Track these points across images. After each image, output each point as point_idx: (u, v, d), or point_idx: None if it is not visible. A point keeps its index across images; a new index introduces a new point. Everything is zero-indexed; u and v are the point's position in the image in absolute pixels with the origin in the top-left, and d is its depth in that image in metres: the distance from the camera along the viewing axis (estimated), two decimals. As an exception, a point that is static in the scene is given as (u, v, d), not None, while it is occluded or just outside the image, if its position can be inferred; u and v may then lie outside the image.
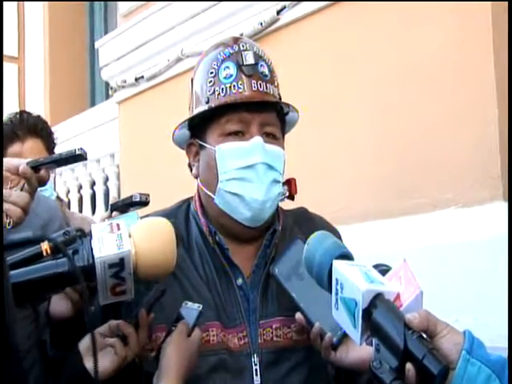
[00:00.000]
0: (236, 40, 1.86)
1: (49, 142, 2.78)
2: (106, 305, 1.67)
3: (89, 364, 1.55)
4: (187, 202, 1.88)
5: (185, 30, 4.64)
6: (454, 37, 3.12)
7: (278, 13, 3.93)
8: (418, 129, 3.23)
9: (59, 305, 1.64)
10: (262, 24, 4.00)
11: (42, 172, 1.67)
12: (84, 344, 1.58)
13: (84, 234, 1.47)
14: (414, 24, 3.29)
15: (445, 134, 3.12)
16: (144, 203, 2.58)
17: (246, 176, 1.72)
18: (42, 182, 1.68)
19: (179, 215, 1.81)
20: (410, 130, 3.26)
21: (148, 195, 2.56)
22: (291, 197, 1.84)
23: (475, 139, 3.00)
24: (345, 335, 1.58)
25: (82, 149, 1.69)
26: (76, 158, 1.70)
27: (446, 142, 3.12)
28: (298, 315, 1.67)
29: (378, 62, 3.44)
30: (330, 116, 3.65)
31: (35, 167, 1.65)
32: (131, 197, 2.55)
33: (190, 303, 1.65)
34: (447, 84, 3.14)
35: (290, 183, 1.83)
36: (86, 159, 1.72)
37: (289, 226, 1.85)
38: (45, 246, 1.46)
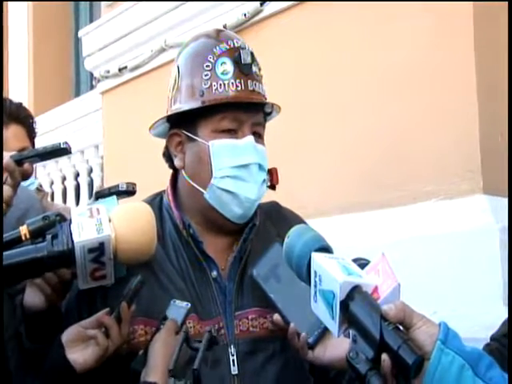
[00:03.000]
0: (219, 32, 1.86)
1: (30, 131, 2.77)
2: (81, 296, 1.69)
3: (71, 356, 1.56)
4: (159, 195, 1.89)
5: (168, 21, 4.64)
6: (437, 34, 3.15)
7: (262, 4, 3.94)
8: (399, 122, 3.26)
9: (33, 298, 1.64)
10: (245, 15, 4.02)
11: (26, 166, 1.67)
12: (66, 336, 1.59)
13: (63, 219, 1.48)
14: (395, 22, 3.31)
15: (426, 128, 3.15)
16: (130, 192, 2.56)
17: (240, 175, 1.73)
18: (26, 176, 1.69)
19: (152, 208, 1.79)
20: (391, 123, 3.28)
21: (135, 184, 2.54)
22: (272, 186, 1.85)
23: (456, 133, 3.03)
24: (321, 335, 1.62)
25: (66, 143, 1.69)
26: (60, 151, 1.70)
27: (426, 135, 3.15)
28: (276, 316, 1.69)
29: (361, 56, 3.46)
30: (312, 108, 3.67)
31: (19, 161, 1.66)
32: (117, 185, 2.52)
33: (178, 301, 1.65)
34: (429, 79, 3.16)
35: (271, 173, 1.84)
36: (70, 153, 1.72)
37: (261, 220, 1.87)
38: (24, 231, 1.46)
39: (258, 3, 3.95)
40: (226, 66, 1.76)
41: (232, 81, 1.75)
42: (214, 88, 1.75)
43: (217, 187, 1.74)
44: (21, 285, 1.65)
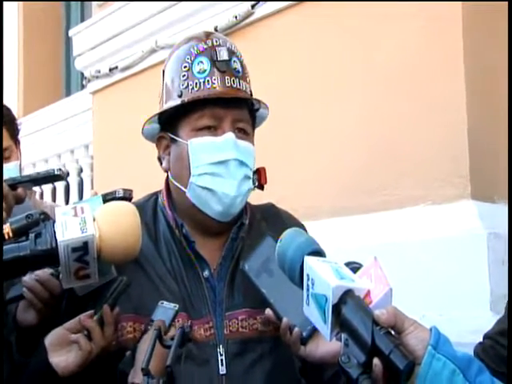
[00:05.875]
0: (208, 35, 1.87)
1: (12, 129, 2.75)
2: (70, 307, 1.69)
3: (54, 359, 1.55)
4: (155, 195, 1.90)
5: (159, 22, 4.64)
6: (425, 36, 3.16)
7: (253, 7, 3.95)
8: (388, 126, 3.27)
9: (24, 314, 1.66)
10: (236, 17, 4.02)
11: (19, 190, 1.68)
12: (50, 339, 1.58)
13: (47, 218, 1.48)
14: (384, 23, 3.32)
15: (414, 133, 3.16)
16: (127, 199, 2.57)
17: (218, 171, 1.75)
18: (19, 201, 1.69)
19: (147, 209, 1.82)
20: (380, 127, 3.30)
21: (131, 191, 2.56)
22: (261, 187, 1.86)
23: (444, 138, 3.04)
24: (314, 330, 1.61)
25: (60, 169, 1.72)
26: (54, 177, 1.73)
27: (415, 140, 3.16)
28: (268, 311, 1.70)
29: (350, 60, 3.47)
30: (301, 111, 3.68)
31: (12, 185, 1.67)
32: (114, 192, 2.54)
33: (165, 303, 1.65)
34: (417, 82, 3.18)
35: (259, 172, 1.84)
36: (63, 179, 1.74)
37: (256, 220, 1.88)
38: (7, 229, 1.46)
39: (249, 5, 3.96)
40: (203, 65, 1.79)
41: (208, 78, 1.77)
42: (190, 88, 1.78)
43: (196, 185, 1.76)
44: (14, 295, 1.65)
